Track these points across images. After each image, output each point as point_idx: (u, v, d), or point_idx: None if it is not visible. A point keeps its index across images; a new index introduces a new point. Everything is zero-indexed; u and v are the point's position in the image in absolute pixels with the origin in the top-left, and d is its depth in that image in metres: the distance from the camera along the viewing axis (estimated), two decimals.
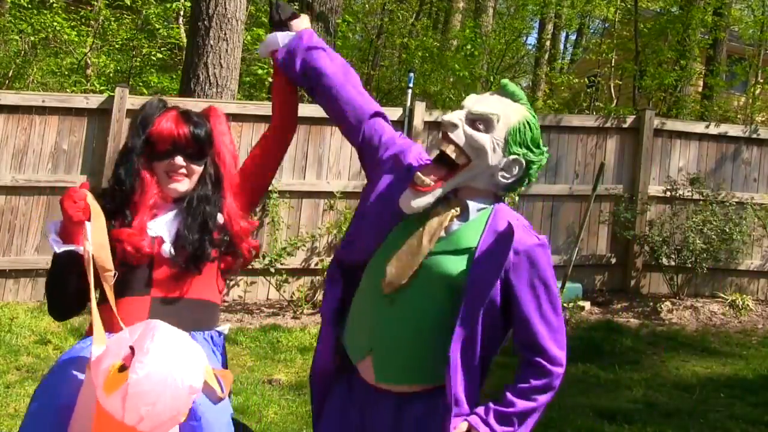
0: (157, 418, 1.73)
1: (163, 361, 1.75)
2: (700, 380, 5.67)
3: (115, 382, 1.73)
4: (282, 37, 2.26)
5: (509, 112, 1.93)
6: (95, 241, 1.94)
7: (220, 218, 2.20)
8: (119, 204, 2.12)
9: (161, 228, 2.15)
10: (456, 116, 1.93)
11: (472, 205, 1.95)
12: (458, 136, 1.90)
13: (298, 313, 6.94)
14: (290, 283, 7.16)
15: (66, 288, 2.06)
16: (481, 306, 1.86)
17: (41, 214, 6.92)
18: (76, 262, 1.99)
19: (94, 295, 1.97)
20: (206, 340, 2.14)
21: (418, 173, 1.91)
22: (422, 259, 1.90)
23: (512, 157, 1.92)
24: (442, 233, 1.92)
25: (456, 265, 1.90)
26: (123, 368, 1.75)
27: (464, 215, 1.95)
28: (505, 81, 2.01)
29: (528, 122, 1.94)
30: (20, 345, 5.75)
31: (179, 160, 2.15)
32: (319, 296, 7.27)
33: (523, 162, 1.94)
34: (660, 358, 6.25)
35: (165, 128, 2.14)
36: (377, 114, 2.14)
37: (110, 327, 2.01)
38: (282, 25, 2.30)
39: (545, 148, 2.00)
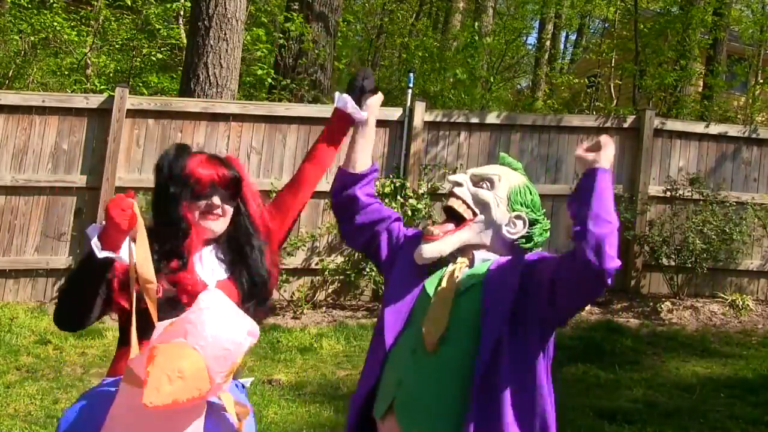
0: (218, 342, 1.75)
1: (223, 307, 1.81)
2: (700, 380, 5.67)
3: (173, 325, 1.77)
4: (352, 107, 2.32)
5: (510, 176, 2.15)
6: (139, 252, 1.93)
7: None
8: (173, 246, 2.13)
9: (204, 269, 2.18)
10: (461, 176, 2.13)
11: (478, 255, 2.08)
12: (464, 193, 2.09)
13: (298, 313, 6.93)
14: (290, 282, 7.15)
15: (90, 295, 2.04)
16: (502, 319, 1.91)
17: (41, 214, 6.92)
18: (108, 270, 1.99)
19: (134, 307, 1.95)
20: (236, 386, 2.15)
21: (428, 226, 2.10)
22: (450, 305, 1.99)
23: (515, 213, 2.09)
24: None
25: (470, 298, 2.00)
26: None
27: (471, 264, 2.08)
28: (503, 154, 2.25)
29: (527, 187, 2.15)
30: (20, 345, 5.75)
31: (216, 200, 2.20)
32: (319, 296, 7.28)
33: (526, 219, 2.10)
34: (660, 358, 6.25)
35: (204, 171, 2.19)
36: (396, 219, 2.29)
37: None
38: (359, 91, 2.34)
39: (546, 219, 2.17)
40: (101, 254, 1.92)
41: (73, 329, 2.16)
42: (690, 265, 7.49)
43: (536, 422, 1.97)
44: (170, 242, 2.13)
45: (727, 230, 7.44)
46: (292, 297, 7.07)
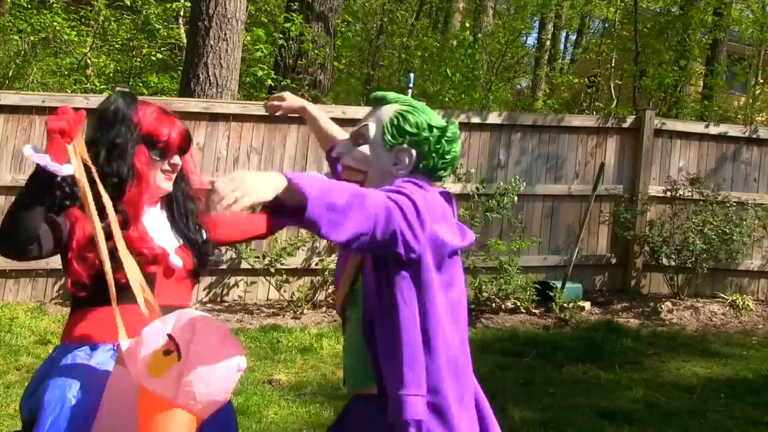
0: (209, 397, 1.78)
1: (211, 344, 1.80)
2: (701, 380, 5.67)
3: (163, 365, 1.76)
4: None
5: (380, 115, 2.05)
6: (80, 167, 1.88)
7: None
8: (112, 197, 2.02)
9: (154, 231, 2.13)
10: (341, 145, 2.08)
11: None
12: (346, 160, 2.04)
13: (298, 313, 6.93)
14: (290, 283, 7.15)
15: (35, 214, 1.89)
16: (371, 266, 1.87)
17: None
18: (51, 185, 1.90)
19: (103, 245, 1.90)
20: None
21: None
22: (356, 265, 1.99)
23: (396, 148, 2.01)
24: None
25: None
26: (167, 352, 1.77)
27: None
28: (374, 93, 2.13)
29: (400, 113, 2.03)
30: (20, 345, 5.75)
31: (178, 159, 2.15)
32: (319, 296, 7.28)
33: (409, 148, 2.01)
34: (660, 358, 6.25)
35: (171, 130, 2.13)
36: None
37: (106, 329, 1.98)
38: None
39: (441, 125, 2.05)
40: (43, 162, 1.83)
41: (15, 250, 1.94)
42: (690, 266, 7.49)
43: (426, 351, 1.84)
44: (108, 192, 2.00)
45: (728, 230, 7.44)
46: (292, 297, 7.07)
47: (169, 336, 1.80)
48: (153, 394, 1.76)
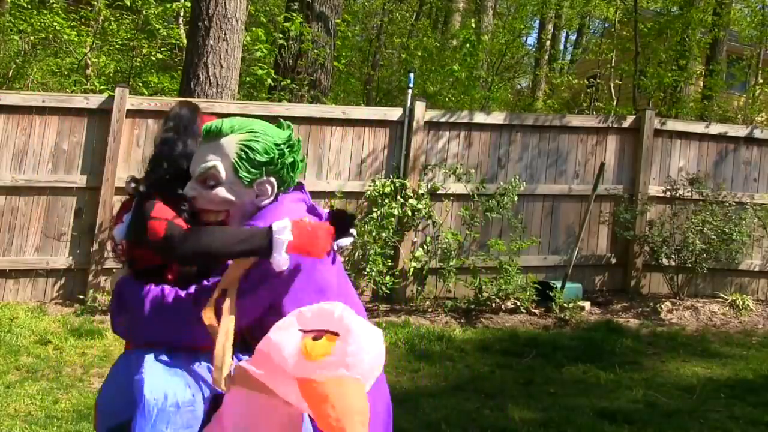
0: (373, 365, 1.80)
1: (355, 319, 1.81)
2: (700, 380, 5.67)
3: (321, 347, 1.74)
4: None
5: (224, 152, 1.96)
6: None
7: None
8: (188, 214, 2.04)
9: None
10: (189, 188, 1.98)
11: None
12: (202, 203, 1.98)
13: None
14: None
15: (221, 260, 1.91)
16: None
17: (41, 214, 6.92)
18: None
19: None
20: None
21: None
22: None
23: (255, 183, 1.97)
24: None
25: None
26: (316, 338, 1.76)
27: None
28: (205, 126, 2.00)
29: (245, 145, 1.96)
30: (20, 345, 5.75)
31: None
32: None
33: (268, 178, 1.98)
34: (660, 358, 6.25)
35: None
36: None
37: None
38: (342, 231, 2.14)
39: (284, 140, 2.01)
40: (283, 261, 1.84)
41: (191, 263, 1.97)
42: (690, 265, 7.49)
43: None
44: (184, 209, 2.01)
45: (727, 230, 7.45)
46: None
47: (304, 331, 1.77)
48: (316, 382, 1.71)
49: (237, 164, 1.95)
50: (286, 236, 1.83)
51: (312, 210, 2.07)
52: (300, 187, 2.09)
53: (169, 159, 2.08)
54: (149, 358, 1.92)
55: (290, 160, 2.02)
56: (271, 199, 2.00)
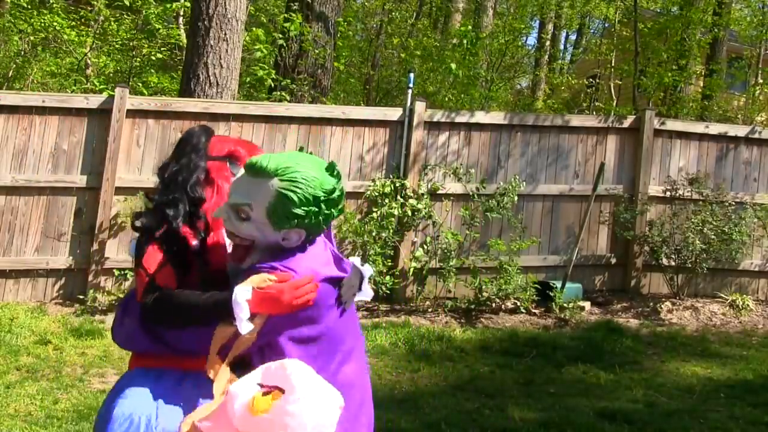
0: (318, 429, 1.77)
1: (309, 379, 1.80)
2: (700, 380, 5.67)
3: (266, 402, 1.75)
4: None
5: (262, 193, 1.94)
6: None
7: None
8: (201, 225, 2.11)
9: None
10: (221, 210, 2.00)
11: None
12: (231, 227, 2.00)
13: None
14: None
15: (196, 325, 1.96)
16: None
17: (41, 214, 6.92)
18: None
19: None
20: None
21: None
22: None
23: (283, 231, 1.96)
24: None
25: None
26: (266, 393, 1.76)
27: None
28: (251, 160, 1.98)
29: (284, 194, 1.93)
30: (20, 345, 5.75)
31: None
32: None
33: (298, 230, 1.96)
34: (660, 359, 6.25)
35: (243, 147, 2.22)
36: None
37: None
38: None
39: (328, 189, 1.97)
40: (245, 327, 1.86)
41: (163, 330, 2.02)
42: (690, 265, 7.49)
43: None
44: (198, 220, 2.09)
45: (727, 230, 7.45)
46: None
47: (261, 385, 1.79)
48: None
49: (271, 211, 1.93)
50: (244, 306, 1.84)
51: (337, 259, 2.05)
52: (327, 232, 2.08)
53: (177, 179, 2.11)
54: (130, 387, 2.00)
55: (326, 213, 1.97)
56: (296, 244, 1.99)
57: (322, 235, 2.08)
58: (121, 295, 6.41)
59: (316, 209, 1.94)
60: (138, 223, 2.10)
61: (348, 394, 1.94)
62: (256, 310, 1.87)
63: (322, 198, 1.94)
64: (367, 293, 2.12)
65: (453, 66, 10.28)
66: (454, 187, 7.61)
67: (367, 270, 2.13)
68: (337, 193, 1.98)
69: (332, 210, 1.99)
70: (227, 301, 1.87)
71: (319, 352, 1.96)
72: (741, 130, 8.45)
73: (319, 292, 1.92)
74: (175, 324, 1.96)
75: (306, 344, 1.94)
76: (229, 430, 1.76)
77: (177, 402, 1.98)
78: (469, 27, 11.10)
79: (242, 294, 1.86)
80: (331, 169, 1.98)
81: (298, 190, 1.92)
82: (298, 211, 1.92)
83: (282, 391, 1.76)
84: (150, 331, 2.00)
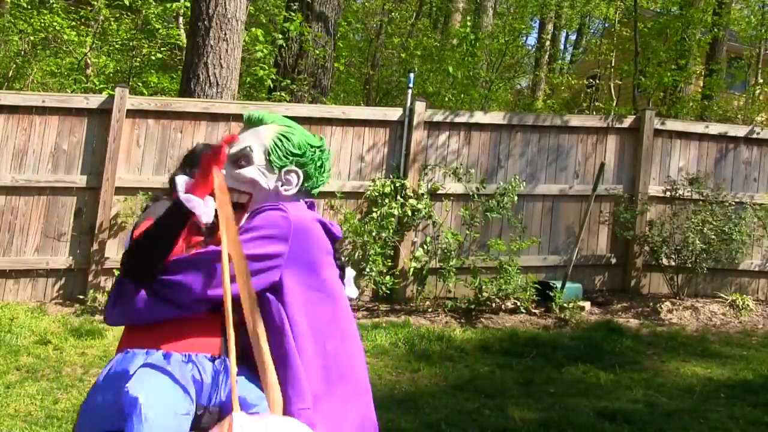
0: None
1: None
2: (700, 380, 5.67)
3: None
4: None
5: (261, 138, 2.09)
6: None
7: None
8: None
9: None
10: (224, 169, 2.05)
11: None
12: (228, 182, 2.04)
13: None
14: None
15: (170, 244, 1.94)
16: None
17: (41, 214, 6.92)
18: (187, 221, 1.95)
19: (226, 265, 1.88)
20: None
21: None
22: None
23: (283, 170, 2.07)
24: None
25: None
26: None
27: None
28: (247, 113, 2.13)
29: (282, 134, 2.09)
30: (20, 345, 5.75)
31: None
32: None
33: (296, 169, 2.09)
34: (660, 359, 6.25)
35: None
36: None
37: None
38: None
39: (318, 144, 2.14)
40: (188, 201, 1.90)
41: (146, 278, 1.96)
42: (690, 265, 7.49)
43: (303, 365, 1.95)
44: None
45: (727, 230, 7.45)
46: None
47: None
48: None
49: (271, 149, 2.06)
50: (185, 190, 1.96)
51: (325, 226, 2.10)
52: (311, 205, 2.16)
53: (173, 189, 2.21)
54: (142, 370, 1.91)
55: (320, 161, 2.13)
56: (294, 190, 2.09)
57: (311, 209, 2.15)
58: None
59: (311, 152, 2.11)
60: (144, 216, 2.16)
61: (340, 384, 1.98)
62: (196, 190, 1.93)
63: (315, 145, 2.13)
64: (352, 291, 2.23)
65: (451, 68, 10.30)
66: (454, 187, 7.61)
67: (350, 271, 2.25)
68: (326, 149, 2.16)
69: (324, 162, 2.14)
70: (176, 201, 1.92)
71: (321, 301, 1.99)
72: (741, 130, 8.45)
73: (319, 231, 2.02)
74: (150, 257, 1.92)
75: (310, 290, 1.98)
76: None
77: (191, 379, 1.92)
78: (468, 28, 11.08)
79: (181, 181, 1.99)
80: (314, 136, 2.18)
81: (294, 133, 2.11)
82: (296, 149, 2.08)
83: None
84: (148, 292, 1.95)
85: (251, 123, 2.10)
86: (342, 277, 2.17)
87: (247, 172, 2.05)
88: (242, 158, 2.05)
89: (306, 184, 2.10)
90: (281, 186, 2.07)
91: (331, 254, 2.07)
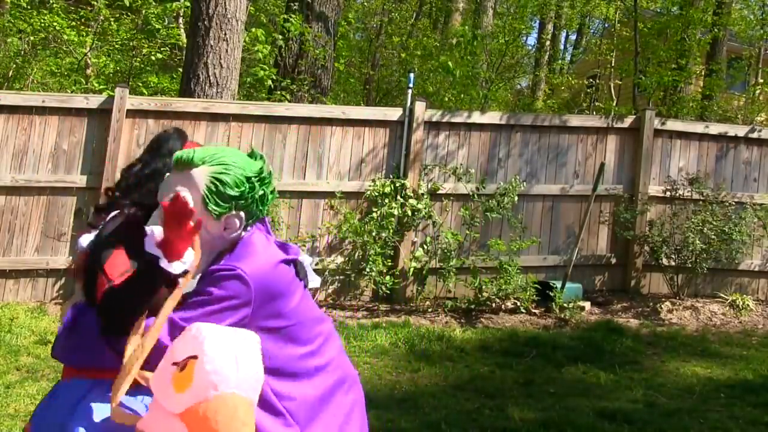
0: (245, 374, 1.77)
1: (218, 333, 1.79)
2: (700, 380, 5.67)
3: (186, 376, 1.75)
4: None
5: (193, 182, 1.92)
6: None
7: None
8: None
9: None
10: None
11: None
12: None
13: None
14: None
15: (146, 301, 1.88)
16: None
17: (41, 214, 6.92)
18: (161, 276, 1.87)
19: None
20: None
21: None
22: None
23: (222, 217, 1.94)
24: None
25: None
26: (183, 368, 1.76)
27: None
28: (176, 154, 1.96)
29: (215, 178, 1.92)
30: (20, 345, 5.75)
31: None
32: (319, 296, 7.27)
33: (237, 211, 1.95)
34: (660, 359, 6.25)
35: None
36: None
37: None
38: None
39: (256, 171, 1.98)
40: (174, 269, 1.81)
41: (123, 332, 1.91)
42: (690, 265, 7.49)
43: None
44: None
45: (727, 230, 7.44)
46: None
47: (175, 363, 1.78)
48: (195, 409, 1.73)
49: (207, 197, 1.91)
50: (155, 236, 1.83)
51: (282, 247, 2.05)
52: (262, 219, 2.06)
53: (147, 184, 2.11)
54: (83, 404, 1.95)
55: (260, 193, 1.98)
56: (239, 232, 1.97)
57: (263, 227, 2.05)
58: None
59: (251, 187, 1.95)
60: (96, 220, 2.06)
61: (325, 379, 2.01)
62: (170, 247, 1.82)
63: (253, 177, 1.96)
64: (315, 279, 2.14)
65: (450, 64, 10.29)
66: (454, 187, 7.61)
67: (307, 258, 2.14)
68: (265, 173, 1.99)
69: (266, 190, 1.99)
70: (150, 258, 1.82)
71: (295, 335, 1.98)
72: (741, 130, 8.45)
73: (280, 274, 1.94)
74: (127, 313, 1.87)
75: (278, 332, 1.95)
76: (169, 419, 1.76)
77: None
78: (467, 27, 11.09)
79: (152, 236, 1.83)
80: (253, 155, 2.01)
81: (229, 172, 1.92)
82: (233, 192, 1.92)
83: (195, 357, 1.75)
84: (109, 343, 1.91)
85: (180, 165, 1.93)
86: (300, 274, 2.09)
87: None
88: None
89: (249, 222, 1.99)
90: (225, 230, 1.95)
91: (292, 273, 2.00)
